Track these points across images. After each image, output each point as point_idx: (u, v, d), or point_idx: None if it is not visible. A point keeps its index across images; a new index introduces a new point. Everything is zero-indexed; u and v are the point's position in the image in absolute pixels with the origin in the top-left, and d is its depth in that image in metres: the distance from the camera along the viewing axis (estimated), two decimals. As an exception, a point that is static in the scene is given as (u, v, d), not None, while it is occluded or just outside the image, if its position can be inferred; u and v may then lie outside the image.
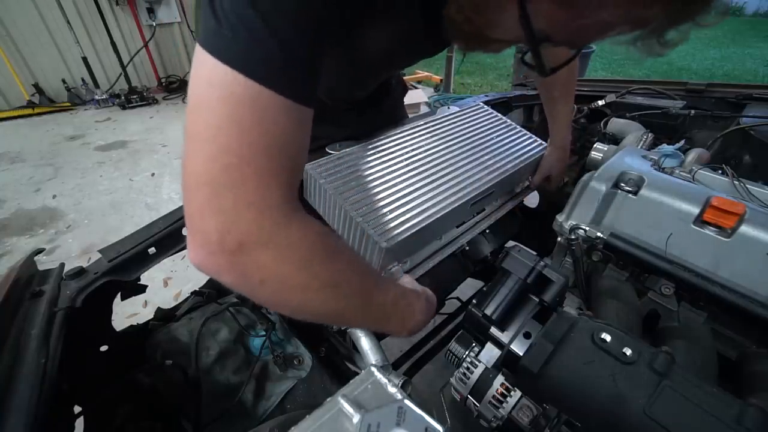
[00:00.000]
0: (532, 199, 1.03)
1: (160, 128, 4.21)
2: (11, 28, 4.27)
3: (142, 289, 0.72)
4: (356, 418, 0.36)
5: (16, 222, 2.64)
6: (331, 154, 0.75)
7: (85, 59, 4.70)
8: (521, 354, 0.52)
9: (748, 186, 0.74)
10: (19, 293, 0.58)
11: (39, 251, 0.69)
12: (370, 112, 0.99)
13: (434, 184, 0.75)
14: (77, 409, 0.61)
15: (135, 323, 0.76)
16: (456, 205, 0.72)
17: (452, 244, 0.81)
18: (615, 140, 1.14)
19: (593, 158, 1.02)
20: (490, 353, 0.59)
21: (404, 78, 1.53)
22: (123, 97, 4.79)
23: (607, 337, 0.48)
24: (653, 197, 0.72)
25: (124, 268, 0.66)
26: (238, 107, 0.34)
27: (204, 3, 0.35)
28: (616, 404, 0.43)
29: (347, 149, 0.77)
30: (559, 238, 0.81)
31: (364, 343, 0.63)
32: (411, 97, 3.78)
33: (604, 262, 0.76)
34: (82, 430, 0.60)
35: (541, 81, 0.95)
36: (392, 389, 0.42)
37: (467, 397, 0.59)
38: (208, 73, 0.35)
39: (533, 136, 0.97)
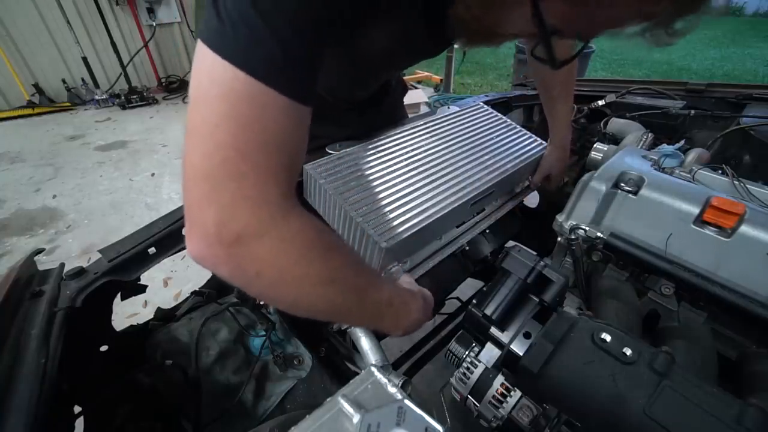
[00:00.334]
0: (532, 199, 1.03)
1: (160, 128, 4.21)
2: (11, 28, 4.27)
3: (142, 289, 0.72)
4: (356, 418, 0.36)
5: (16, 222, 2.64)
6: (331, 154, 0.75)
7: (85, 59, 4.69)
8: (521, 354, 0.52)
9: (748, 186, 0.74)
10: (19, 293, 0.58)
11: (39, 251, 0.69)
12: (370, 111, 0.99)
13: (434, 184, 0.75)
14: (77, 409, 0.61)
15: (135, 323, 0.76)
16: (456, 205, 0.72)
17: (452, 244, 0.81)
18: (615, 140, 1.14)
19: (593, 158, 1.02)
20: (490, 353, 0.59)
21: (404, 78, 1.53)
22: (123, 97, 4.78)
23: (607, 337, 0.48)
24: (653, 197, 0.72)
25: (124, 268, 0.66)
26: (237, 104, 0.35)
27: (208, 1, 0.36)
28: (616, 404, 0.43)
29: (347, 149, 0.77)
30: (559, 238, 0.81)
31: (364, 343, 0.63)
32: (411, 97, 3.78)
33: (604, 262, 0.76)
34: (82, 430, 0.60)
35: (541, 80, 0.95)
36: (392, 389, 0.42)
37: (467, 397, 0.59)
38: (209, 70, 0.35)
39: (533, 135, 0.97)
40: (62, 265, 0.66)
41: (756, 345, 0.63)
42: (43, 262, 0.64)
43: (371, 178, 0.72)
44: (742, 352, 0.63)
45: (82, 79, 4.85)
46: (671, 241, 0.68)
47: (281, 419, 0.57)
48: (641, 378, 0.44)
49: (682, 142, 0.98)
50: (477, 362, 0.59)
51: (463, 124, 0.93)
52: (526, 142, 0.95)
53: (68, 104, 4.77)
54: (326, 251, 0.41)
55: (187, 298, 0.82)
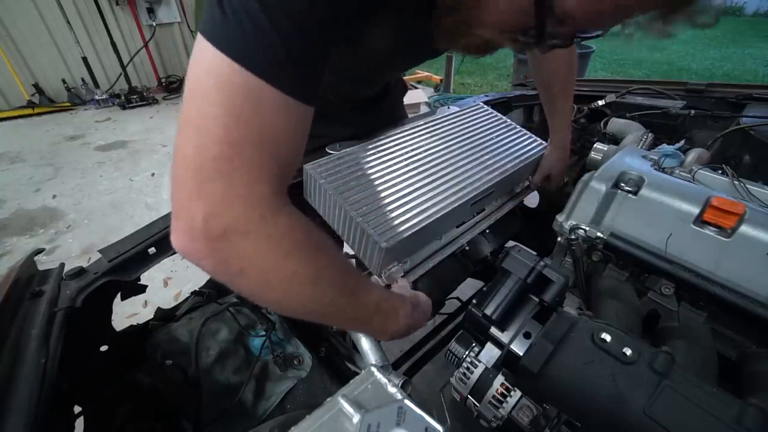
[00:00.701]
0: (532, 199, 1.03)
1: (160, 128, 4.21)
2: (11, 28, 4.27)
3: (142, 289, 0.72)
4: (356, 418, 0.36)
5: (16, 222, 2.64)
6: (331, 154, 0.75)
7: (85, 59, 4.70)
8: (521, 354, 0.52)
9: (748, 186, 0.74)
10: (19, 293, 0.58)
11: (39, 251, 0.69)
12: (371, 111, 0.99)
13: (434, 184, 0.75)
14: (77, 409, 0.61)
15: (135, 323, 0.75)
16: (456, 205, 0.72)
17: (452, 244, 0.81)
18: (615, 140, 1.14)
19: (593, 158, 1.02)
20: (490, 353, 0.59)
21: (404, 78, 1.53)
22: (123, 97, 4.78)
23: (607, 337, 0.48)
24: (653, 197, 0.72)
25: (124, 268, 0.66)
26: (234, 97, 0.34)
27: None
28: (616, 404, 0.43)
29: (347, 149, 0.77)
30: (559, 238, 0.81)
31: (364, 343, 0.63)
32: (411, 97, 3.78)
33: (604, 262, 0.76)
34: (82, 430, 0.60)
35: (541, 80, 0.95)
36: (392, 389, 0.42)
37: (467, 397, 0.59)
38: (207, 63, 0.35)
39: (533, 135, 0.97)
40: (62, 265, 0.66)
41: (756, 345, 0.63)
42: (43, 262, 0.64)
43: (371, 178, 0.72)
44: (742, 352, 0.63)
45: (82, 79, 4.85)
46: (671, 241, 0.68)
47: (281, 419, 0.57)
48: (641, 378, 0.44)
49: (682, 142, 0.98)
50: (477, 362, 0.59)
51: (463, 124, 0.93)
52: (526, 142, 0.95)
53: (68, 104, 4.77)
54: (314, 252, 0.41)
55: (187, 298, 0.82)
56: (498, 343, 0.58)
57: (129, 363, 0.69)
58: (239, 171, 0.35)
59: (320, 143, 0.90)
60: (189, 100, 0.36)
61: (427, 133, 0.86)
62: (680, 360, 0.49)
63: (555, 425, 0.51)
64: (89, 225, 2.61)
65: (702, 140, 1.11)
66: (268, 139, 0.36)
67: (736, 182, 0.75)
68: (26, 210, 2.78)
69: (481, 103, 1.03)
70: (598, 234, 0.73)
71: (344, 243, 0.74)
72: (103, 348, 0.69)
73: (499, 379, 0.57)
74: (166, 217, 0.72)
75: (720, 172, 0.79)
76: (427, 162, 0.79)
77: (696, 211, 0.67)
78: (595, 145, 1.03)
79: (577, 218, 0.78)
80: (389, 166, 0.75)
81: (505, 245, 0.77)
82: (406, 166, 0.76)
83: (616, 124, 1.17)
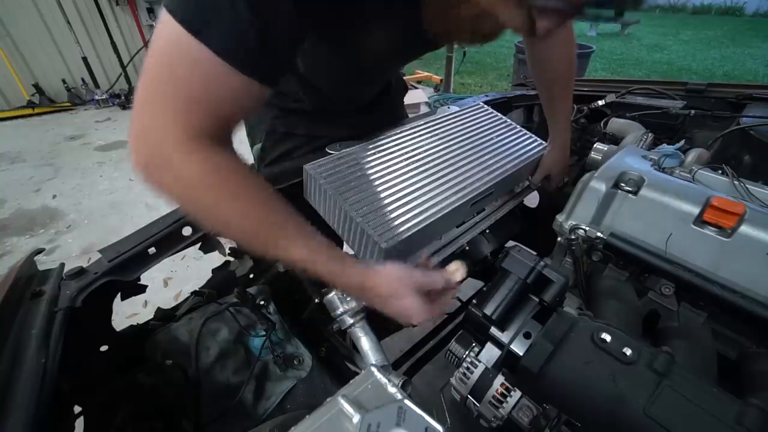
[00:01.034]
0: (532, 199, 1.04)
1: (160, 128, 4.21)
2: (11, 28, 4.27)
3: (142, 289, 0.72)
4: (356, 418, 0.36)
5: (16, 222, 2.64)
6: (331, 154, 0.75)
7: (85, 59, 4.69)
8: (521, 354, 0.52)
9: (748, 186, 0.74)
10: (19, 293, 0.58)
11: (39, 251, 0.69)
12: (370, 111, 0.99)
13: (434, 184, 0.75)
14: (77, 409, 0.61)
15: (135, 323, 0.75)
16: (456, 205, 0.72)
17: (452, 244, 0.81)
18: (615, 140, 1.14)
19: (593, 158, 1.02)
20: (490, 353, 0.59)
21: (404, 78, 1.53)
22: (123, 97, 4.78)
23: (607, 337, 0.48)
24: (653, 197, 0.72)
25: (124, 268, 0.66)
26: (168, 48, 0.40)
27: None
28: (616, 404, 0.43)
29: (347, 149, 0.77)
30: (559, 238, 0.81)
31: (364, 343, 0.63)
32: (411, 97, 3.78)
33: (604, 262, 0.76)
34: (82, 430, 0.60)
35: (541, 81, 0.95)
36: (392, 389, 0.42)
37: (467, 397, 0.59)
38: (161, 24, 0.40)
39: (533, 135, 0.98)
40: (62, 265, 0.66)
41: (756, 345, 0.63)
42: (43, 262, 0.64)
43: (371, 178, 0.72)
44: (742, 352, 0.63)
45: (82, 79, 4.85)
46: (671, 241, 0.68)
47: (281, 419, 0.57)
48: (641, 378, 0.44)
49: (682, 142, 0.98)
50: (477, 362, 0.59)
51: (463, 124, 0.93)
52: (526, 142, 0.95)
53: (68, 104, 4.77)
54: (226, 199, 0.45)
55: (187, 298, 0.82)
56: (498, 343, 0.58)
57: (129, 363, 0.69)
58: (155, 113, 0.41)
59: (320, 143, 0.90)
60: (147, 54, 0.42)
61: (427, 133, 0.86)
62: (680, 360, 0.49)
63: (555, 425, 0.51)
64: (89, 225, 2.61)
65: (702, 140, 1.11)
66: (190, 87, 0.41)
67: (736, 182, 0.75)
68: (26, 210, 2.78)
69: (481, 103, 1.03)
70: (598, 234, 0.73)
71: (344, 243, 0.74)
72: (103, 348, 0.69)
73: (499, 379, 0.57)
74: (166, 217, 0.72)
75: (720, 172, 0.79)
76: (427, 162, 0.79)
77: (696, 211, 0.67)
78: (595, 145, 1.03)
79: (577, 218, 0.78)
80: (389, 166, 0.75)
81: (505, 245, 0.77)
82: (406, 166, 0.76)
83: (616, 124, 1.17)
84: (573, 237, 0.74)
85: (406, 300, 0.53)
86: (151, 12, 4.89)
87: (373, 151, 0.77)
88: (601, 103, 1.30)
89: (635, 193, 0.74)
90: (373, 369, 0.44)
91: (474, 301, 0.60)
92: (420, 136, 0.85)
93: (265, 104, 0.50)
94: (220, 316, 0.75)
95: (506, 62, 6.22)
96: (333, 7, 0.49)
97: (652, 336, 0.66)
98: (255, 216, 0.48)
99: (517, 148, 0.91)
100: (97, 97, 4.80)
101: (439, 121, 0.91)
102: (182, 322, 0.74)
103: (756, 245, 0.61)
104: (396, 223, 0.66)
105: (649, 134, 1.08)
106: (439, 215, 0.70)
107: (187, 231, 0.72)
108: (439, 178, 0.76)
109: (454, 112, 0.96)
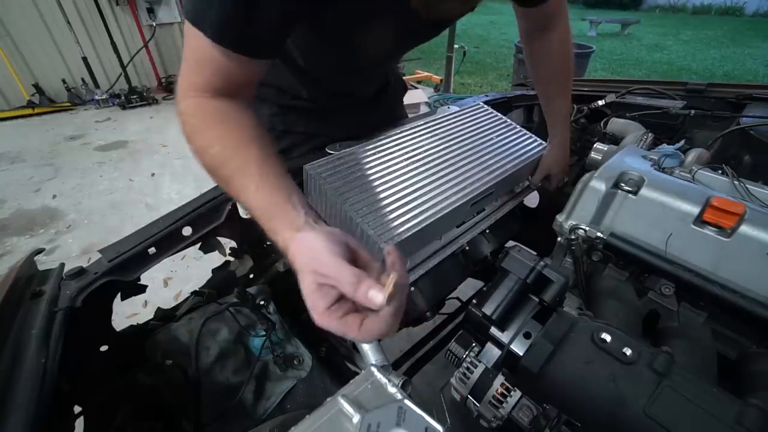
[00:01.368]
0: (532, 199, 1.04)
1: (160, 128, 4.21)
2: (11, 28, 4.27)
3: (142, 289, 0.72)
4: (356, 418, 0.36)
5: (16, 222, 2.64)
6: (331, 154, 0.75)
7: (85, 59, 4.69)
8: (521, 354, 0.52)
9: (748, 186, 0.74)
10: (19, 293, 0.58)
11: (39, 251, 0.69)
12: (371, 110, 0.99)
13: (434, 184, 0.75)
14: (77, 409, 0.61)
15: (135, 323, 0.75)
16: (456, 205, 0.72)
17: (452, 244, 0.81)
18: (615, 140, 1.14)
19: (593, 158, 1.02)
20: (490, 353, 0.59)
21: (404, 78, 1.53)
22: (123, 97, 4.78)
23: (607, 337, 0.48)
24: (653, 197, 0.72)
25: (124, 268, 0.66)
26: (186, 40, 0.53)
27: None
28: (616, 404, 0.43)
29: (347, 149, 0.77)
30: (559, 238, 0.81)
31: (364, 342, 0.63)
32: (411, 97, 3.78)
33: (604, 262, 0.76)
34: (82, 430, 0.60)
35: (539, 79, 0.95)
36: (392, 389, 0.42)
37: (467, 397, 0.59)
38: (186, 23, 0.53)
39: (533, 135, 0.98)
40: (62, 265, 0.66)
41: (756, 345, 0.63)
42: (43, 262, 0.64)
43: (371, 178, 0.72)
44: (742, 352, 0.63)
45: (82, 79, 4.85)
46: (671, 241, 0.68)
47: (281, 419, 0.57)
48: (641, 378, 0.44)
49: (682, 142, 0.98)
50: (477, 362, 0.59)
51: (463, 124, 0.93)
52: (526, 142, 0.95)
53: (68, 104, 4.77)
54: (200, 132, 0.54)
55: (187, 298, 0.82)
56: (498, 343, 0.58)
57: (129, 363, 0.69)
58: (184, 74, 0.55)
59: (319, 141, 0.90)
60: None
61: (427, 133, 0.86)
62: (680, 360, 0.49)
63: (555, 425, 0.51)
64: (89, 225, 2.61)
65: (702, 140, 1.11)
66: (198, 61, 0.54)
67: (736, 182, 0.75)
68: (26, 210, 2.78)
69: (481, 103, 1.03)
70: (598, 234, 0.73)
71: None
72: (103, 348, 0.69)
73: (499, 379, 0.57)
74: (166, 217, 0.72)
75: (720, 172, 0.79)
76: (427, 162, 0.79)
77: (696, 211, 0.67)
78: (595, 145, 1.03)
79: (577, 218, 0.78)
80: (389, 166, 0.75)
81: (505, 245, 0.77)
82: (406, 166, 0.76)
83: (616, 124, 1.17)
84: (573, 237, 0.74)
85: (304, 283, 0.41)
86: (151, 12, 4.90)
87: (373, 151, 0.77)
88: (601, 103, 1.30)
89: (635, 193, 0.74)
90: (373, 369, 0.44)
91: (474, 301, 0.60)
92: (420, 136, 0.85)
93: (263, 101, 0.58)
94: (220, 316, 0.75)
95: (506, 62, 6.23)
96: None
97: (652, 336, 0.66)
98: (229, 146, 0.52)
99: (517, 148, 0.91)
100: (97, 97, 4.80)
101: (439, 121, 0.91)
102: (182, 322, 0.74)
103: (756, 245, 0.61)
104: (396, 223, 0.66)
105: (649, 134, 1.08)
106: (439, 215, 0.70)
107: (187, 231, 0.72)
108: (439, 178, 0.76)
109: (454, 112, 0.96)
